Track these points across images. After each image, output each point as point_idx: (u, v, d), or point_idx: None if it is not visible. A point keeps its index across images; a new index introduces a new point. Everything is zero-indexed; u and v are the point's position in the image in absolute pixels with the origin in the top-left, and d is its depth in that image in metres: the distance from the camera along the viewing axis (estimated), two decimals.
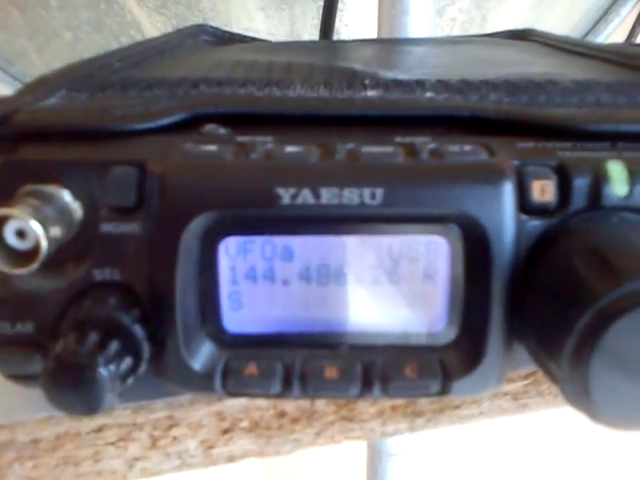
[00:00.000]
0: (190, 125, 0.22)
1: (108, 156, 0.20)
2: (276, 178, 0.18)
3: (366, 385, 0.20)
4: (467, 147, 0.20)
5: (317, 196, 0.18)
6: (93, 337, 0.18)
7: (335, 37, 0.75)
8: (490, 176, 0.19)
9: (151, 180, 0.19)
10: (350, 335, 0.20)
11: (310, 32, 0.75)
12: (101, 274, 0.20)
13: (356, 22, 0.77)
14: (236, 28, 0.81)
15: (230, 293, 0.20)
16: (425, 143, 0.20)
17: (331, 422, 0.25)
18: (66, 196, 0.20)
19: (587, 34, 0.85)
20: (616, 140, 0.20)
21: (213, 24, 0.86)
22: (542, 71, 0.31)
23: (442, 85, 0.26)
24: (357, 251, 0.20)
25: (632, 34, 0.74)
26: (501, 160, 0.19)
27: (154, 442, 0.23)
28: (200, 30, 0.48)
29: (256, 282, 0.20)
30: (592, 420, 0.18)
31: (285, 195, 0.18)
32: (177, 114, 0.22)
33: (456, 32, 0.80)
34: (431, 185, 0.18)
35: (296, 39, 0.82)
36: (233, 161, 0.19)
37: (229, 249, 0.20)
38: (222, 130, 0.22)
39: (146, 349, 0.19)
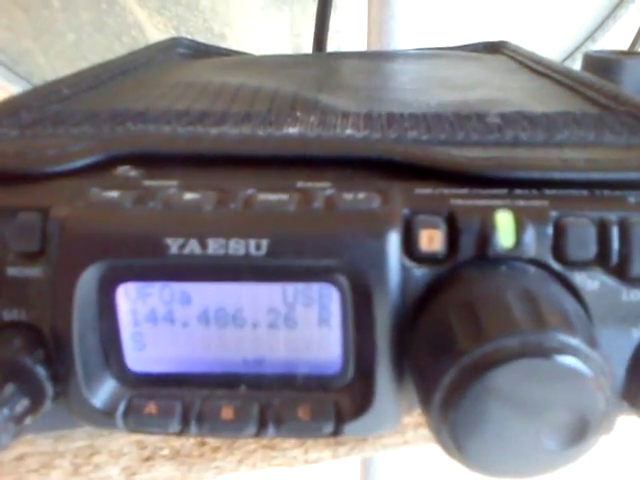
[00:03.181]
0: (108, 165, 0.23)
1: (16, 201, 0.21)
2: (165, 228, 0.19)
3: (261, 426, 0.20)
4: (361, 195, 0.20)
5: (204, 246, 0.19)
6: None
7: (334, 35, 0.75)
8: (374, 227, 0.19)
9: (52, 226, 0.20)
10: (248, 377, 0.21)
11: (310, 31, 0.76)
12: (9, 315, 0.21)
13: (347, 28, 0.77)
14: (236, 28, 0.82)
15: (133, 334, 0.21)
16: (323, 189, 0.20)
17: (252, 450, 0.26)
18: None
19: (595, 31, 0.85)
20: (513, 186, 0.20)
21: (213, 24, 0.87)
22: (486, 97, 0.31)
23: (367, 120, 0.26)
24: (252, 296, 0.20)
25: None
26: (390, 209, 0.19)
27: (76, 469, 0.24)
28: (175, 43, 0.49)
29: (157, 324, 0.21)
30: (466, 468, 0.18)
31: (173, 245, 0.19)
32: (92, 156, 0.22)
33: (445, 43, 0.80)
34: (315, 236, 0.19)
35: (296, 37, 0.82)
36: (129, 209, 0.20)
37: (129, 293, 0.20)
38: (133, 172, 0.22)
39: (49, 388, 0.20)
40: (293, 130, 0.25)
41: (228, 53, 0.51)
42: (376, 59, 0.46)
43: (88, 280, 0.20)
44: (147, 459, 0.25)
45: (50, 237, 0.20)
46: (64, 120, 0.26)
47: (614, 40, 0.84)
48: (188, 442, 0.25)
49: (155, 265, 0.20)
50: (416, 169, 0.22)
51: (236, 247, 0.19)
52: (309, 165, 0.22)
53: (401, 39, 0.59)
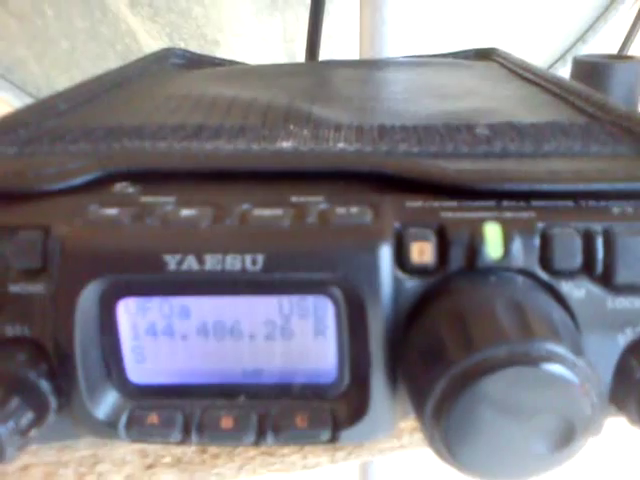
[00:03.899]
0: (106, 182, 0.23)
1: (17, 220, 0.21)
2: (163, 245, 0.20)
3: (260, 434, 0.21)
4: (353, 209, 0.21)
5: (201, 262, 0.19)
6: None
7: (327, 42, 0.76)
8: (367, 241, 0.20)
9: (53, 244, 0.20)
10: (247, 387, 0.22)
11: (303, 37, 0.76)
12: (12, 330, 0.21)
13: (340, 33, 0.77)
14: (229, 34, 0.82)
15: (133, 347, 0.21)
16: (316, 204, 0.21)
17: (252, 457, 0.26)
18: None
19: (585, 32, 0.85)
20: (501, 198, 0.21)
21: (206, 31, 0.87)
22: (476, 107, 0.31)
23: (358, 132, 0.27)
24: (249, 309, 0.21)
25: (632, 29, 0.74)
26: (382, 223, 0.20)
27: (80, 478, 0.25)
28: (168, 54, 0.49)
29: (157, 337, 0.21)
30: (459, 472, 0.19)
31: (171, 261, 0.19)
32: (89, 173, 0.23)
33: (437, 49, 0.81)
34: (310, 251, 0.19)
35: (289, 43, 0.83)
36: (128, 227, 0.20)
37: (129, 308, 0.21)
38: (131, 189, 0.23)
39: (53, 401, 0.21)
40: (287, 144, 0.26)
41: (221, 62, 0.52)
42: (367, 68, 0.47)
43: (89, 296, 0.20)
44: (149, 467, 0.25)
45: (51, 254, 0.20)
46: (61, 136, 0.27)
47: (605, 41, 0.85)
48: (189, 449, 0.26)
49: (154, 281, 0.20)
50: (407, 182, 0.22)
51: (233, 262, 0.19)
52: (302, 179, 0.23)
53: (393, 44, 0.60)
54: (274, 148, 0.25)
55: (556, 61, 0.85)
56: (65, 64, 0.81)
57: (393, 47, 0.60)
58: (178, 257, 0.19)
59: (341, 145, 0.25)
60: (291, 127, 0.28)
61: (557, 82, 0.35)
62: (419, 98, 0.35)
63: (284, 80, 0.40)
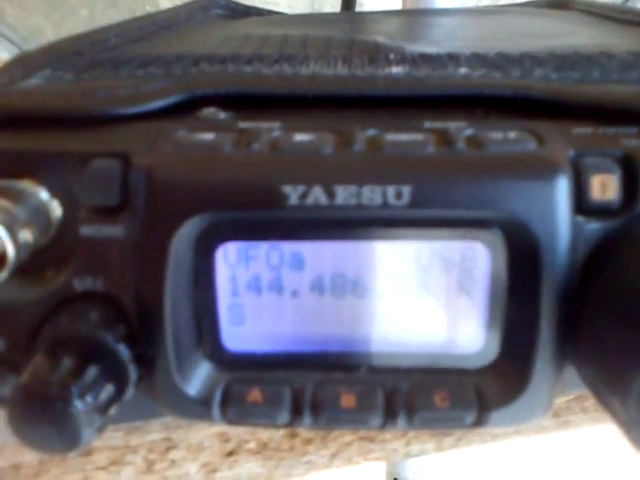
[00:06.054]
0: (187, 109, 0.19)
1: (88, 147, 0.17)
2: (282, 174, 0.15)
3: (389, 415, 0.17)
4: (512, 134, 0.16)
5: (331, 195, 0.15)
6: (67, 362, 0.15)
7: (358, 9, 0.71)
8: (541, 170, 0.15)
9: (136, 175, 0.16)
10: (370, 356, 0.17)
11: (331, 4, 0.72)
12: (82, 284, 0.17)
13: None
14: (256, 1, 0.78)
15: (230, 306, 0.17)
16: (460, 129, 0.17)
17: (348, 443, 0.22)
18: (42, 194, 0.17)
19: None
20: None
21: None
22: (592, 42, 0.27)
23: (478, 59, 0.22)
24: (379, 258, 0.17)
25: None
26: (553, 150, 0.16)
27: (150, 466, 0.21)
28: (212, 3, 0.45)
29: (260, 293, 0.17)
30: None
31: (293, 194, 0.15)
32: (171, 96, 0.19)
33: (485, 1, 0.76)
34: (469, 182, 0.15)
35: (317, 11, 0.78)
36: (232, 153, 0.16)
37: (228, 256, 0.17)
38: (222, 114, 0.19)
39: (133, 372, 0.17)
40: (397, 70, 0.21)
41: (269, 13, 0.47)
42: (433, 15, 0.42)
43: (185, 239, 0.16)
44: (230, 454, 0.21)
45: (133, 188, 0.16)
46: (126, 61, 0.22)
47: None
48: (277, 434, 0.22)
49: (267, 220, 0.16)
50: (558, 108, 0.18)
51: (371, 196, 0.15)
52: (426, 106, 0.19)
53: (439, 5, 0.55)
54: (384, 73, 0.21)
55: None
56: None
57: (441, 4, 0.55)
58: (302, 189, 0.15)
59: (463, 70, 0.21)
60: (391, 56, 0.23)
61: None
62: (514, 37, 0.31)
63: (352, 24, 0.36)
